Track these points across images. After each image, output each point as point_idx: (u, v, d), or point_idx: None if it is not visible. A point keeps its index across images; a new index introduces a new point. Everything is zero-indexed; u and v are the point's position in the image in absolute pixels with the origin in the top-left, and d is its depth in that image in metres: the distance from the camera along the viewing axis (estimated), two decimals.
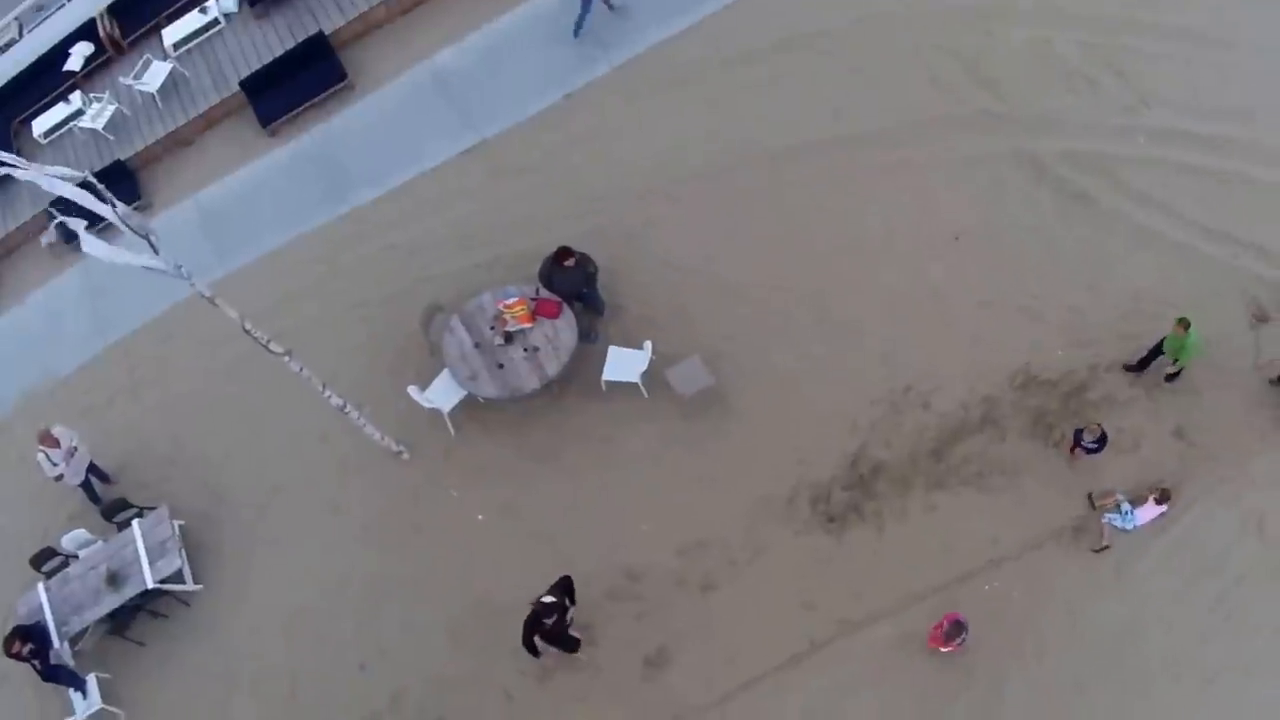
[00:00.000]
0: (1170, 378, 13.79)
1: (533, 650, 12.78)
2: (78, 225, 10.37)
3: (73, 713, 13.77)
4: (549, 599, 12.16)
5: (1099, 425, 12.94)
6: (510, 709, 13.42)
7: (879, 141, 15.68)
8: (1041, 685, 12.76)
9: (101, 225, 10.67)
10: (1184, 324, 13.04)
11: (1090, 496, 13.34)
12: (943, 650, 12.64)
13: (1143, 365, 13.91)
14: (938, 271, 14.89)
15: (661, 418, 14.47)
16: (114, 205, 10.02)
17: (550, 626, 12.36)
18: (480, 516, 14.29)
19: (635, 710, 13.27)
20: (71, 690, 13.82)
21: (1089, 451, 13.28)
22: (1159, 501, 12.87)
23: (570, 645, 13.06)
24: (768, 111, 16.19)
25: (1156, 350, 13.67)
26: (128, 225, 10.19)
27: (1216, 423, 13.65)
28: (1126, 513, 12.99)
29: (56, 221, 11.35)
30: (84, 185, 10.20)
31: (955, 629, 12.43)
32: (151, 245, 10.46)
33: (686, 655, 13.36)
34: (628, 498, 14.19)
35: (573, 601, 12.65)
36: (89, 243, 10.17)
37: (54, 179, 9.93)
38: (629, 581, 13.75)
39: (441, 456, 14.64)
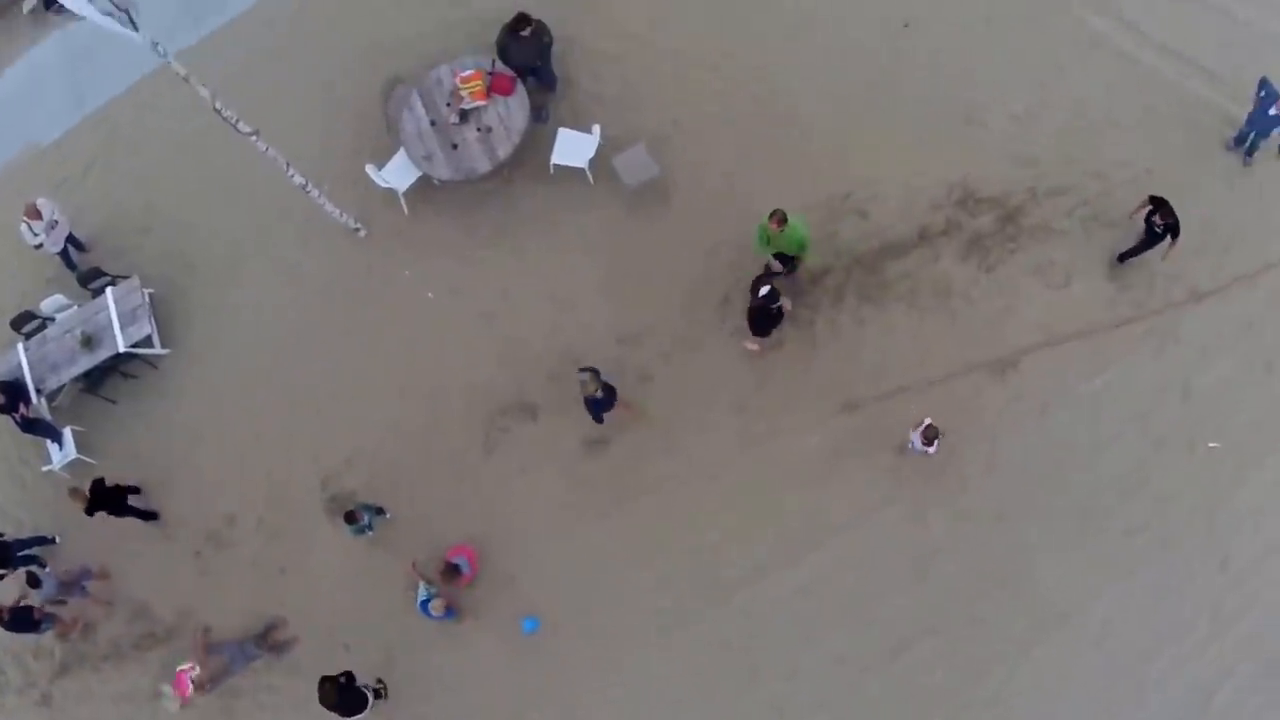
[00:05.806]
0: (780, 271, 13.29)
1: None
2: None
3: (50, 462, 14.71)
4: None
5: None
6: (458, 473, 14.09)
7: None
8: (964, 512, 13.07)
9: None
10: (778, 217, 12.30)
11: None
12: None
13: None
14: (884, 58, 14.45)
15: (605, 204, 14.49)
16: None
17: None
18: (430, 294, 14.60)
19: (576, 483, 13.87)
20: (49, 441, 14.71)
21: None
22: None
23: None
24: None
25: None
26: None
27: (1144, 270, 13.46)
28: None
29: None
30: None
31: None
32: (132, 21, 10.44)
33: (624, 441, 13.82)
34: (569, 283, 14.36)
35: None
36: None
37: None
38: (570, 365, 13.98)
39: (395, 235, 14.81)
